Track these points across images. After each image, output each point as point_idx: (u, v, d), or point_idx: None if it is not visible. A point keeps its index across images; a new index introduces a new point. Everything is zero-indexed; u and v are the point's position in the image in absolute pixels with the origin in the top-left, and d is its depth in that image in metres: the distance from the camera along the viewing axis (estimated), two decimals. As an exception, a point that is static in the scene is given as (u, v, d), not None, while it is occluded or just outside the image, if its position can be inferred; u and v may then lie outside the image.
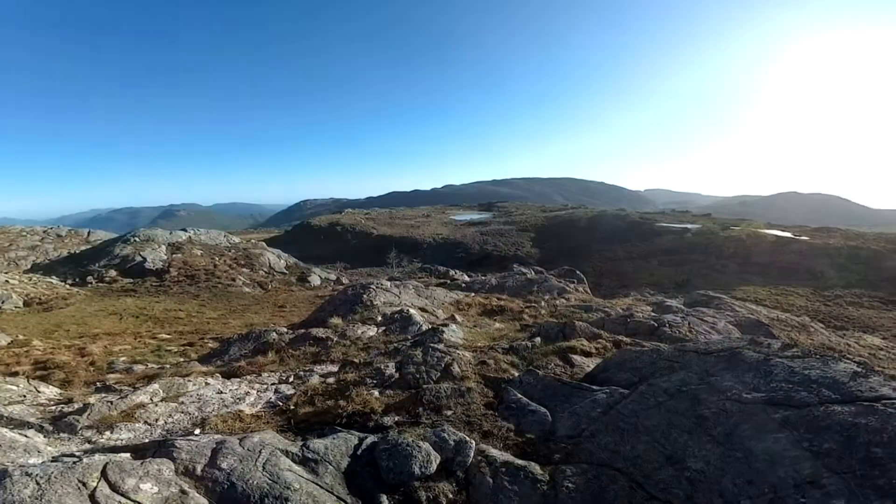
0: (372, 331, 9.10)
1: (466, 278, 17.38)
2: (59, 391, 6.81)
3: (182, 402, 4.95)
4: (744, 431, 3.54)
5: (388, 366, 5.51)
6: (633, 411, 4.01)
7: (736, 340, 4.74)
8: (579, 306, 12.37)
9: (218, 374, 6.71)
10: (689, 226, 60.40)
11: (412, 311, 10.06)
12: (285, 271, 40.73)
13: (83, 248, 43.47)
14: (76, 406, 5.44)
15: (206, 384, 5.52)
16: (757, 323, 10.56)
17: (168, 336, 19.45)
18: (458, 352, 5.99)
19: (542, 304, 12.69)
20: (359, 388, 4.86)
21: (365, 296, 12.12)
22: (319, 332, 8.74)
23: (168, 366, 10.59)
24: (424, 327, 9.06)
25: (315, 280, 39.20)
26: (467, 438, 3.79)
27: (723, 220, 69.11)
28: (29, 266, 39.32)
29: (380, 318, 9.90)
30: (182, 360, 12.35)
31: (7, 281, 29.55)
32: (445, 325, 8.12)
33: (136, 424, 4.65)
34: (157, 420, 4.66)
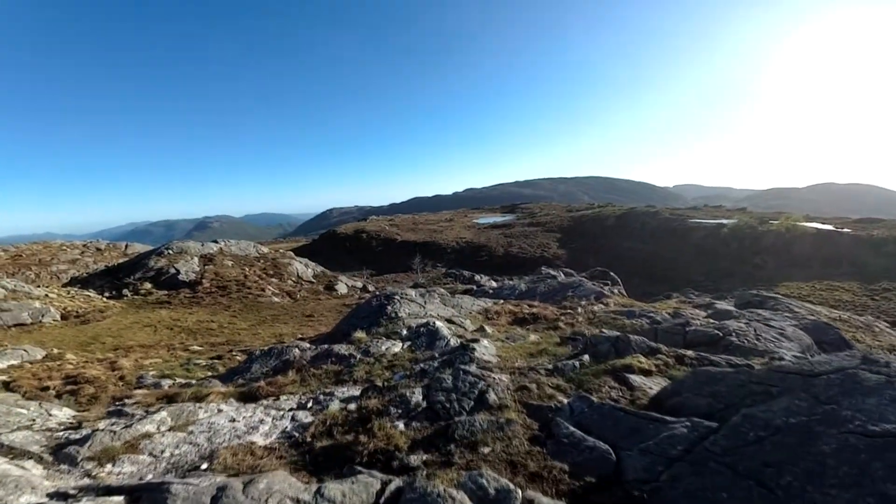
0: (397, 346, 8.60)
1: (493, 284, 16.62)
2: (72, 413, 6.59)
3: (191, 432, 4.53)
4: (876, 471, 2.78)
5: (413, 392, 4.88)
6: (726, 449, 3.23)
7: (846, 359, 3.90)
8: (620, 312, 11.43)
9: (232, 399, 6.30)
10: (724, 221, 57.52)
11: (438, 323, 9.47)
12: (313, 280, 41.02)
13: (121, 261, 45.11)
14: (83, 433, 5.11)
15: (219, 411, 5.10)
16: (823, 326, 9.37)
17: (199, 348, 19.62)
18: (493, 375, 5.27)
19: (579, 310, 11.78)
20: (382, 420, 4.27)
21: (389, 307, 11.62)
22: (342, 348, 8.27)
23: (194, 381, 10.38)
24: (452, 342, 8.42)
25: (342, 288, 39.28)
26: (511, 485, 3.11)
27: (759, 213, 65.77)
28: (67, 280, 41.09)
29: (405, 332, 9.33)
30: (209, 374, 12.27)
31: (46, 295, 30.74)
32: (476, 341, 7.47)
33: (141, 457, 4.24)
34: (163, 452, 4.25)
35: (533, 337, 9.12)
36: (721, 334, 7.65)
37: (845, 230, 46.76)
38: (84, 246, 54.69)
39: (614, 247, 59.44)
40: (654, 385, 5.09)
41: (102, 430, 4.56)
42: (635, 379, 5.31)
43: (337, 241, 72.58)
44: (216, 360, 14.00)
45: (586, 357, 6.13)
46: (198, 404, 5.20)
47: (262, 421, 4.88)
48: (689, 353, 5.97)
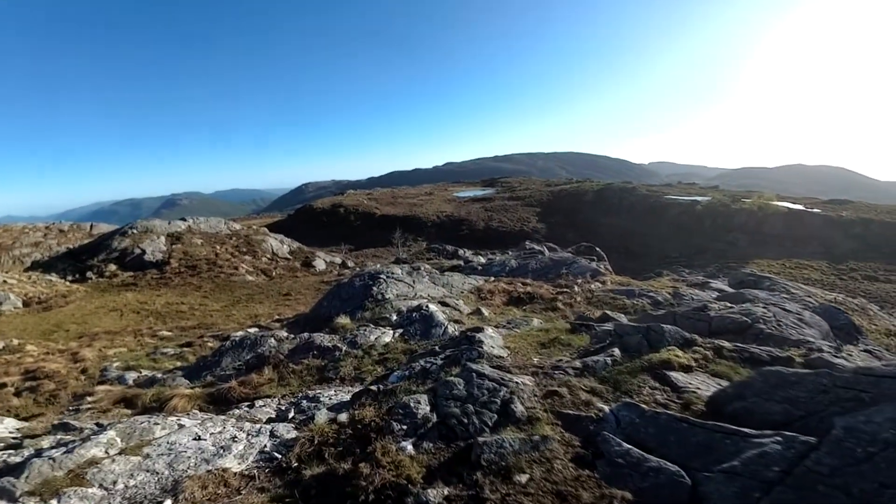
0: (387, 335, 7.73)
1: (482, 259, 15.88)
2: (15, 426, 5.64)
3: (148, 456, 3.69)
4: None
5: (418, 400, 4.01)
6: (833, 469, 2.63)
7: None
8: (619, 291, 10.94)
9: (199, 405, 5.45)
10: (698, 198, 58.44)
11: (432, 307, 8.65)
12: (289, 257, 39.56)
13: (86, 241, 42.43)
14: (24, 454, 4.22)
15: (180, 426, 4.25)
16: (833, 310, 9.03)
17: (168, 333, 18.47)
18: (513, 377, 4.53)
19: (576, 289, 11.22)
20: (384, 440, 3.49)
21: (375, 288, 10.65)
22: (324, 339, 7.39)
23: (160, 375, 9.42)
24: (450, 329, 7.68)
25: (320, 265, 38.03)
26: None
27: (731, 192, 67.02)
28: (29, 264, 38.42)
29: (394, 318, 8.49)
30: (178, 364, 11.36)
31: (5, 281, 28.57)
32: (479, 330, 6.68)
33: (90, 490, 3.40)
34: (115, 483, 3.42)
35: (537, 322, 8.46)
36: (749, 321, 7.05)
37: (815, 210, 48.35)
38: (47, 228, 51.39)
39: (592, 222, 59.78)
40: (700, 385, 4.47)
41: (44, 454, 3.67)
42: (678, 377, 4.62)
43: (313, 216, 70.36)
44: (185, 349, 13.01)
45: (616, 351, 5.41)
46: (153, 420, 4.32)
47: (234, 438, 4.05)
48: (726, 344, 5.40)
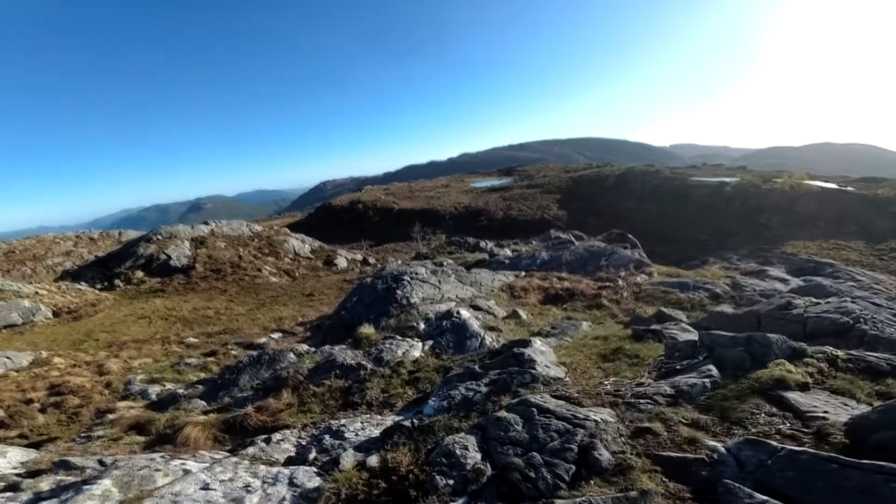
0: (416, 349, 6.97)
1: (508, 252, 14.96)
2: (22, 458, 5.25)
3: (149, 511, 3.17)
4: None
5: (465, 445, 3.18)
6: None
7: None
8: (670, 284, 9.96)
9: (211, 439, 4.92)
10: (726, 179, 55.87)
11: (464, 313, 7.84)
12: (311, 256, 39.52)
13: (115, 248, 43.42)
14: (23, 498, 3.77)
15: (185, 471, 3.71)
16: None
17: (195, 340, 18.43)
18: (589, 416, 3.59)
19: (620, 282, 10.28)
20: (426, 501, 2.83)
21: (399, 291, 9.85)
22: (347, 355, 6.71)
23: (180, 392, 9.04)
24: (487, 339, 6.93)
25: (341, 262, 37.86)
26: None
27: (760, 172, 63.95)
28: (60, 273, 39.52)
29: (422, 326, 7.75)
30: (201, 375, 11.12)
31: (37, 292, 29.28)
32: (525, 344, 5.81)
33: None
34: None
35: (586, 325, 7.61)
36: (850, 321, 5.90)
37: (849, 189, 45.80)
38: (77, 237, 53.13)
39: (615, 206, 57.95)
40: (826, 407, 3.57)
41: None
42: (797, 399, 3.71)
43: (333, 214, 70.49)
44: (209, 358, 12.79)
45: (712, 369, 4.39)
46: (154, 463, 3.79)
47: (247, 487, 3.46)
48: (839, 352, 4.49)
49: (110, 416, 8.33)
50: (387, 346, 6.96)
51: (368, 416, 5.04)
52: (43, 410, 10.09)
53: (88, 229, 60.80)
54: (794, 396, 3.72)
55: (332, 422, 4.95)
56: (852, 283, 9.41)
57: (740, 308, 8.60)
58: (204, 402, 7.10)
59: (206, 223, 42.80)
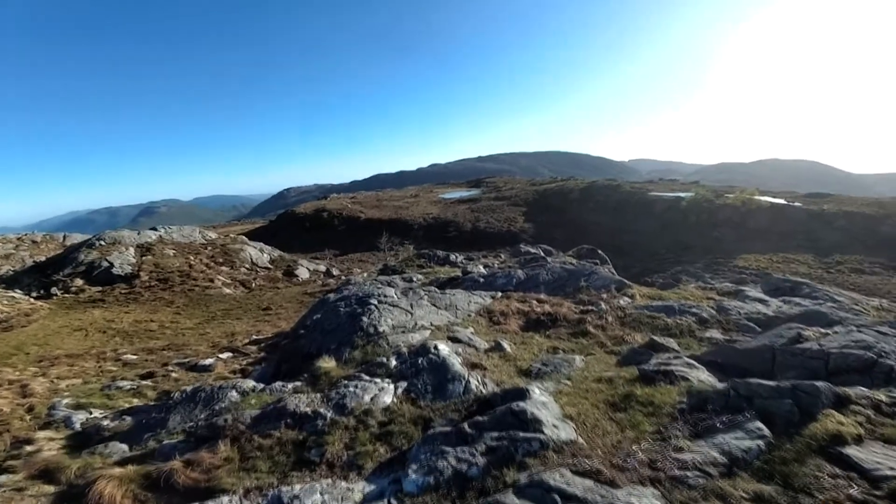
0: (387, 393, 5.98)
1: (482, 270, 14.33)
2: None
3: None
4: None
5: None
6: None
7: None
8: (655, 307, 9.62)
9: (128, 498, 3.99)
10: (681, 194, 58.79)
11: (441, 348, 6.98)
12: (269, 266, 37.63)
13: (58, 253, 39.76)
14: None
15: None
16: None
17: (134, 357, 16.75)
18: (632, 502, 3.00)
19: (602, 305, 9.83)
20: None
21: (365, 318, 8.80)
22: (300, 401, 5.66)
23: (107, 422, 7.84)
24: (472, 382, 6.02)
25: (303, 273, 36.25)
26: None
27: (712, 187, 67.65)
28: (-2, 277, 35.71)
29: (394, 363, 6.74)
30: (134, 401, 9.88)
31: None
32: (522, 396, 5.01)
33: None
34: None
35: (579, 360, 6.95)
36: (873, 356, 5.61)
37: (797, 204, 49.12)
38: (19, 239, 48.54)
39: (579, 220, 59.49)
40: (889, 462, 3.17)
41: None
42: (858, 456, 3.37)
43: (296, 222, 68.27)
44: (145, 381, 11.43)
45: (761, 428, 3.90)
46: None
47: None
48: (882, 397, 4.15)
49: (27, 448, 7.40)
50: (351, 388, 5.99)
51: (330, 480, 4.12)
52: (-46, 438, 8.85)
53: (33, 231, 55.86)
54: (853, 453, 3.32)
55: (284, 488, 4.05)
56: (832, 304, 9.48)
57: (728, 333, 8.41)
58: (125, 447, 5.97)
59: (153, 229, 40.05)
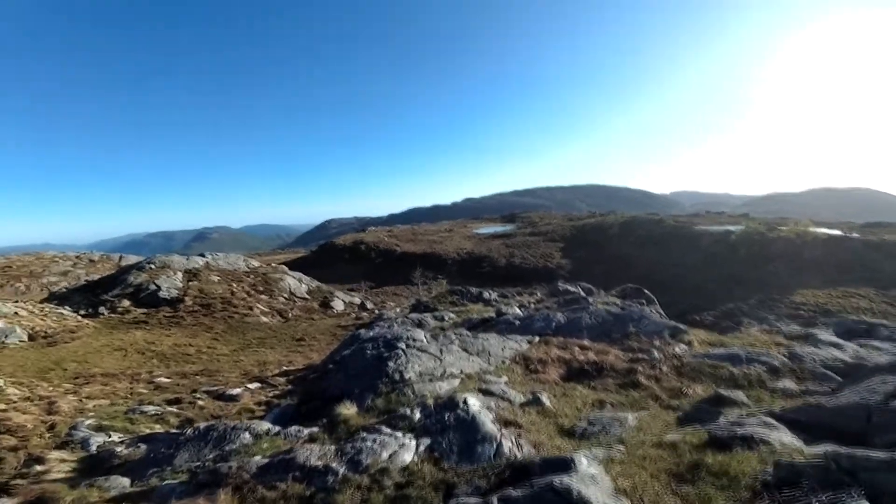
0: (407, 450, 5.34)
1: (518, 311, 13.55)
2: None
3: None
4: None
5: None
6: None
7: None
8: (716, 356, 8.59)
9: None
10: (731, 228, 55.73)
11: (471, 402, 6.28)
12: (307, 296, 38.20)
13: (111, 273, 42.17)
14: None
15: None
16: None
17: (167, 380, 16.95)
18: None
19: (655, 353, 8.88)
20: None
21: (391, 363, 8.26)
22: (312, 452, 5.19)
23: (121, 448, 7.65)
24: (505, 444, 5.26)
25: (338, 305, 36.50)
26: None
27: (763, 219, 64.03)
28: (45, 294, 38.18)
29: (418, 416, 6.12)
30: (156, 427, 9.78)
31: (16, 313, 27.92)
32: (565, 467, 4.28)
33: None
34: None
35: (632, 419, 6.08)
36: None
37: (854, 235, 45.51)
38: (77, 258, 52.25)
39: (619, 256, 57.33)
40: None
41: None
42: None
43: (335, 253, 69.90)
44: (170, 408, 11.41)
45: None
46: None
47: None
48: None
49: (37, 468, 7.40)
50: (369, 442, 5.40)
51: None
52: (-26, 449, 9.07)
53: (92, 250, 60.01)
54: None
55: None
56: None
57: (803, 383, 7.28)
58: (126, 482, 5.71)
59: (201, 255, 41.87)
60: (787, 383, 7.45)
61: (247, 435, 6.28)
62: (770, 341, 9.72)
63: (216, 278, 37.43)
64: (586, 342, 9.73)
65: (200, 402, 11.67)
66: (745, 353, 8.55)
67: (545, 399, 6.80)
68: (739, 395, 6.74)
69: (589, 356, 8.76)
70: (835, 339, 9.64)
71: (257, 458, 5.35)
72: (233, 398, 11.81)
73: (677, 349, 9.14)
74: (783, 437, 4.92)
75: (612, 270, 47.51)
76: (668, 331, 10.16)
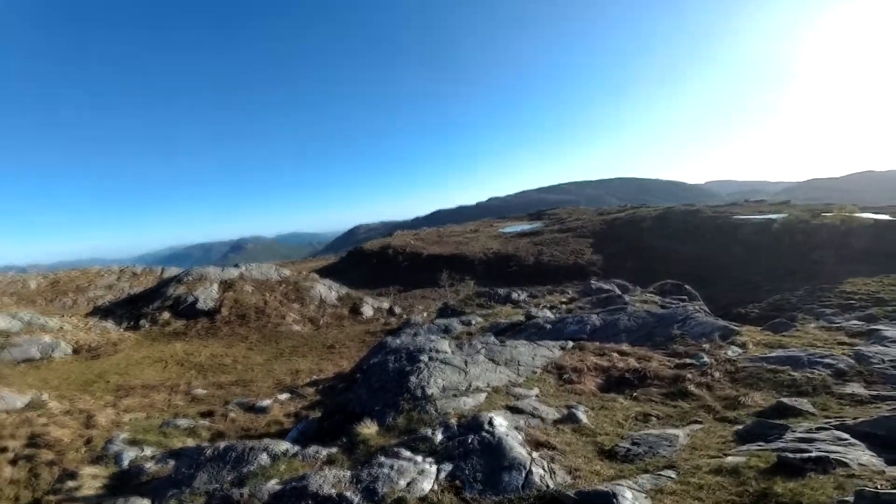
0: (427, 476, 4.89)
1: (549, 314, 12.84)
2: None
3: None
4: None
5: None
6: None
7: None
8: (774, 358, 7.75)
9: None
10: (772, 216, 52.50)
11: (497, 422, 5.76)
12: (337, 303, 38.60)
13: (152, 286, 43.97)
14: None
15: None
16: None
17: (204, 391, 17.37)
18: None
19: (704, 357, 8.15)
20: None
21: (413, 377, 7.78)
22: (327, 480, 4.86)
23: (149, 465, 7.69)
24: (536, 473, 4.69)
25: (367, 311, 36.71)
26: None
27: (806, 206, 60.15)
28: (91, 308, 40.20)
29: (439, 437, 5.69)
30: (187, 440, 9.94)
31: (61, 327, 29.45)
32: (608, 501, 3.75)
33: None
34: None
35: (683, 437, 5.42)
36: None
37: None
38: (121, 271, 54.96)
39: (654, 249, 55.10)
40: None
41: None
42: None
43: (364, 258, 70.64)
44: (203, 421, 11.62)
45: None
46: None
47: None
48: None
49: (69, 483, 7.65)
50: (386, 469, 5.02)
51: None
52: (14, 462, 9.54)
53: (135, 264, 63.17)
54: None
55: None
56: None
57: (873, 387, 6.45)
58: (147, 503, 5.61)
59: (236, 265, 43.03)
60: (856, 388, 6.60)
61: (264, 456, 6.10)
62: (831, 340, 8.75)
63: (250, 288, 38.35)
64: (625, 347, 9.01)
65: (232, 415, 11.80)
66: (806, 354, 7.67)
67: (581, 414, 6.20)
68: (804, 403, 5.96)
69: (629, 363, 8.06)
70: (898, 332, 8.61)
71: (272, 482, 5.13)
72: (263, 410, 11.86)
73: (729, 352, 8.32)
74: (861, 457, 4.24)
75: (646, 265, 45.84)
76: (717, 332, 9.31)
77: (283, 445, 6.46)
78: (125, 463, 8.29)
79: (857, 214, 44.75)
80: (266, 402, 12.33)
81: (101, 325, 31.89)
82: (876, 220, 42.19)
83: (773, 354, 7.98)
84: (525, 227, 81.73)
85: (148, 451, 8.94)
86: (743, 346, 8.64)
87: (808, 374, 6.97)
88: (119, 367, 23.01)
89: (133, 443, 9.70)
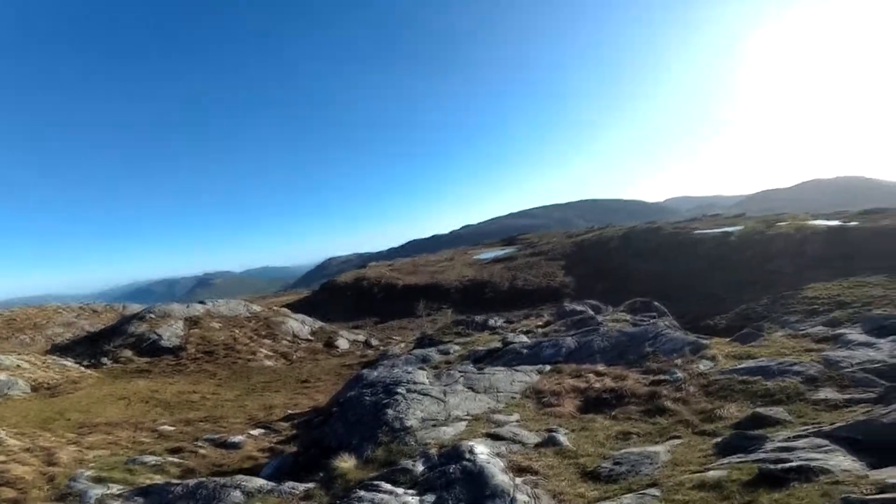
0: None
1: (525, 339, 13.00)
2: None
3: None
4: None
5: None
6: None
7: None
8: (746, 369, 8.01)
9: None
10: (729, 229, 55.23)
11: (478, 449, 5.69)
12: (310, 338, 37.66)
13: (112, 324, 41.78)
14: None
15: None
16: None
17: (171, 428, 16.54)
18: None
19: (678, 372, 8.38)
20: None
21: (390, 410, 7.63)
22: None
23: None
24: (520, 499, 4.65)
25: (343, 344, 35.92)
26: None
27: (760, 217, 63.71)
28: (49, 346, 37.75)
29: (420, 468, 5.59)
30: (155, 478, 9.42)
31: (19, 365, 27.60)
32: None
33: None
34: None
35: (664, 453, 5.44)
36: None
37: (853, 223, 44.86)
38: (80, 308, 52.08)
39: (622, 268, 56.73)
40: None
41: None
42: None
43: (337, 291, 69.36)
44: (171, 457, 11.11)
45: None
46: None
47: None
48: None
49: None
50: (365, 501, 4.92)
51: None
52: (-31, 503, 8.75)
53: (96, 300, 59.78)
54: None
55: None
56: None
57: (845, 391, 6.76)
58: None
59: (201, 302, 41.60)
60: (829, 393, 6.91)
61: (237, 493, 5.77)
62: (799, 347, 9.18)
63: (217, 325, 36.95)
64: (601, 367, 9.18)
65: (202, 451, 11.26)
66: (776, 363, 8.02)
67: (562, 437, 6.23)
68: (780, 411, 6.20)
69: (606, 383, 8.21)
70: (866, 337, 9.14)
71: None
72: (235, 446, 11.37)
73: (701, 366, 8.61)
74: (842, 462, 4.41)
75: (616, 285, 47.01)
76: (688, 347, 9.64)
77: (258, 482, 6.15)
78: (91, 501, 7.87)
79: (809, 222, 47.55)
80: (238, 438, 11.77)
81: (60, 362, 30.07)
82: (828, 226, 44.92)
83: (744, 366, 8.30)
84: (499, 252, 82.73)
85: (114, 489, 8.49)
86: (713, 359, 8.97)
87: (781, 383, 7.26)
88: (80, 405, 21.69)
89: (98, 480, 9.23)
